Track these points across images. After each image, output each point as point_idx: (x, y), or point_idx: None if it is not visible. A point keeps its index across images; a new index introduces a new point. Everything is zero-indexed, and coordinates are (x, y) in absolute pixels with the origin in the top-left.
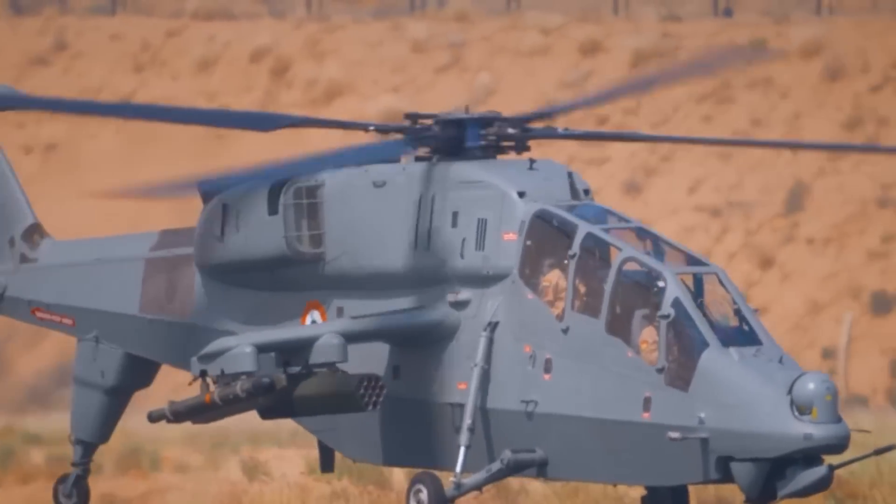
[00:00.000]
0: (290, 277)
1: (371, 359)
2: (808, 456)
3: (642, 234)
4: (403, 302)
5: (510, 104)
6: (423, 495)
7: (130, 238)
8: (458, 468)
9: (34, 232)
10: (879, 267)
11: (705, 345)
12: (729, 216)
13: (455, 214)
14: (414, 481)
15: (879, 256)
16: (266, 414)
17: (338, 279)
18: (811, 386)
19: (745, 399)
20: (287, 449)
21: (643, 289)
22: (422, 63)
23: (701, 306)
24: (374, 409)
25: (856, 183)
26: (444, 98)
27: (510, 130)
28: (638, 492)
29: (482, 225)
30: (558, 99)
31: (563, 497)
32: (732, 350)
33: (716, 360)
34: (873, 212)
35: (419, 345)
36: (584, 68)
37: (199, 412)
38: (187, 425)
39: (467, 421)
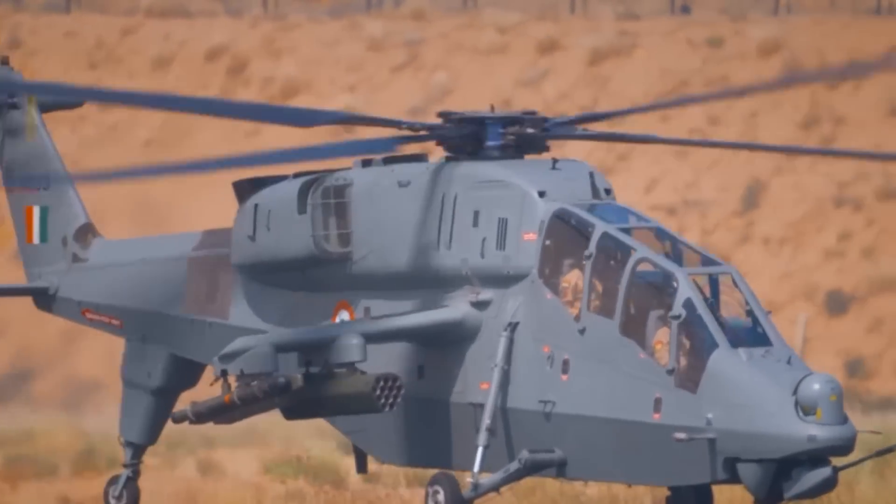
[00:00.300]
0: (320, 277)
1: (399, 359)
2: (814, 457)
3: (661, 234)
4: (427, 302)
5: (467, 103)
6: (441, 496)
7: (175, 237)
8: (476, 469)
9: (86, 232)
10: (835, 266)
11: (715, 346)
12: (685, 215)
13: (476, 214)
14: (431, 482)
15: (835, 256)
16: (290, 414)
17: (365, 279)
18: (816, 387)
19: (751, 400)
20: (242, 449)
21: (656, 289)
22: (378, 62)
23: (712, 307)
24: (391, 409)
25: (812, 182)
26: (401, 97)
27: (530, 130)
28: (602, 490)
29: (503, 224)
30: (515, 97)
31: (520, 496)
32: (741, 351)
33: (724, 361)
34: (830, 211)
35: (442, 345)
36: (542, 67)
37: (219, 413)
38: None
39: (486, 421)
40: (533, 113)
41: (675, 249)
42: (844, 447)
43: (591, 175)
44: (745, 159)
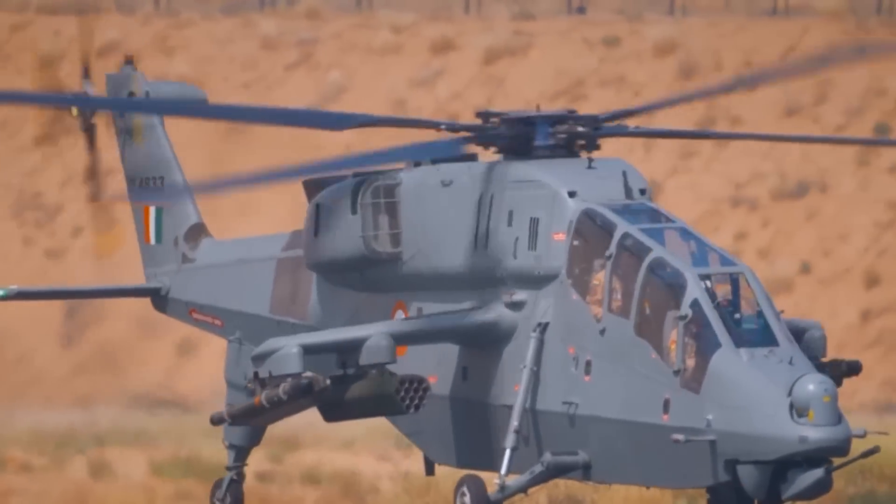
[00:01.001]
0: (376, 278)
1: (445, 360)
2: (810, 458)
3: (684, 234)
4: (466, 303)
5: (361, 102)
6: (468, 498)
7: (270, 238)
8: (503, 471)
9: (196, 232)
10: None
11: (718, 346)
12: None
13: (510, 214)
14: (459, 484)
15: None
16: (327, 417)
17: (415, 279)
18: (808, 388)
19: (748, 401)
20: (132, 449)
21: (669, 289)
22: (272, 60)
23: (720, 307)
24: (415, 411)
25: (708, 182)
26: (295, 96)
27: (581, 129)
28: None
29: (534, 225)
30: (409, 97)
31: (413, 495)
32: (743, 351)
33: (725, 362)
34: (726, 210)
35: (481, 346)
36: (436, 66)
37: (252, 415)
38: (33, 422)
39: (513, 423)
40: (572, 112)
41: (697, 248)
42: (837, 448)
43: (625, 174)
44: (640, 159)
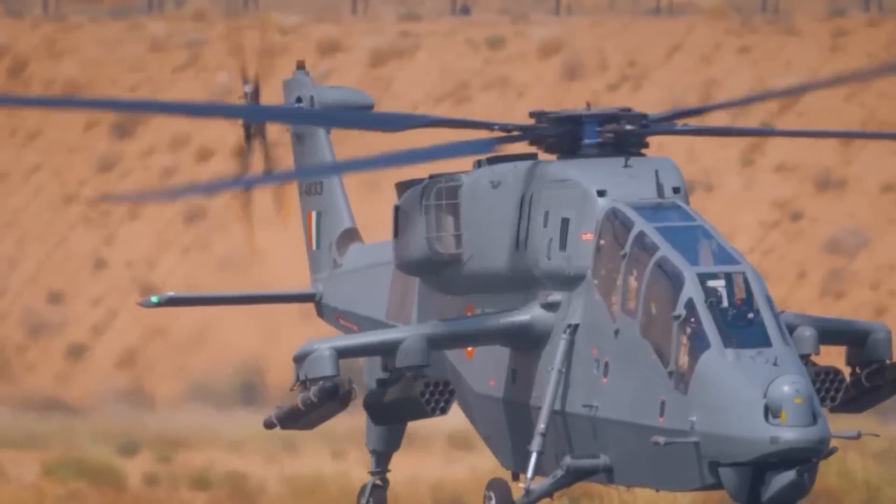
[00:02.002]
0: (447, 279)
1: (497, 363)
2: (787, 460)
3: (701, 233)
4: (509, 304)
5: None
6: (493, 502)
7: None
8: (529, 474)
9: (347, 237)
10: None
11: (707, 346)
12: None
13: (546, 214)
14: (487, 488)
15: None
16: (375, 420)
17: (476, 280)
18: (781, 388)
19: (726, 402)
20: (23, 451)
21: (669, 289)
22: (160, 62)
23: (713, 307)
24: (441, 413)
25: None
26: (183, 97)
27: (629, 127)
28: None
29: (565, 225)
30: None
31: (299, 496)
32: (730, 352)
33: (711, 363)
34: None
35: (523, 348)
36: (323, 68)
37: (294, 418)
38: None
39: (540, 426)
40: (628, 110)
41: (710, 249)
42: (808, 449)
43: (657, 173)
44: None
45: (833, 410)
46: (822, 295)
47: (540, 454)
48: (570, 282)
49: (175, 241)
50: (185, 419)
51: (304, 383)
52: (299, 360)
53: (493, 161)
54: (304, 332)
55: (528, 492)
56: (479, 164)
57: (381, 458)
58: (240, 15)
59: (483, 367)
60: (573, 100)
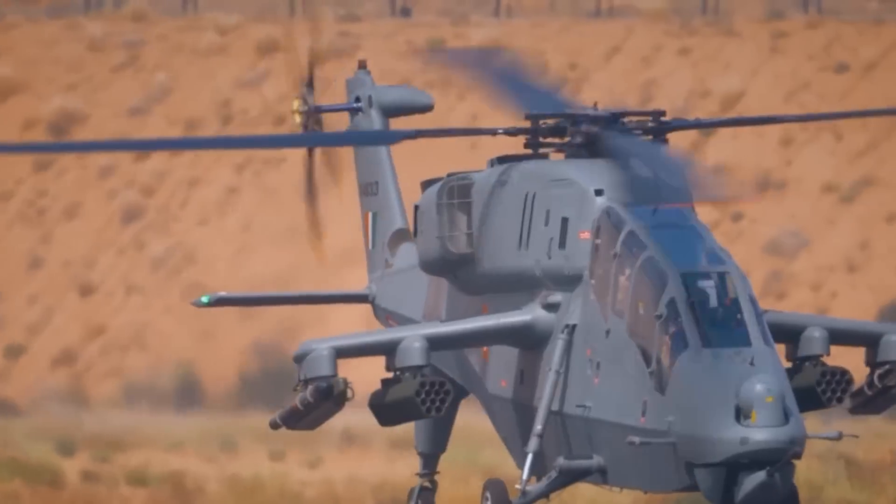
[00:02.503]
0: (463, 278)
1: (509, 364)
2: (758, 461)
3: (692, 233)
4: (513, 305)
5: (187, 104)
6: (489, 503)
7: None
8: (525, 475)
9: (398, 237)
10: None
11: (685, 346)
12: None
13: (547, 213)
14: (484, 488)
15: None
16: (380, 421)
17: (487, 280)
18: (751, 388)
19: (700, 403)
20: None
21: (653, 289)
22: (98, 62)
23: (695, 307)
24: (437, 414)
25: None
26: (121, 97)
27: (649, 124)
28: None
29: (564, 224)
30: (235, 98)
31: (239, 496)
32: (707, 352)
33: (688, 363)
34: None
35: (528, 349)
36: (262, 68)
37: (295, 418)
38: None
39: (536, 427)
40: (657, 110)
41: (699, 249)
42: (777, 450)
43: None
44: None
45: (853, 412)
46: (763, 296)
47: (536, 455)
48: (569, 282)
49: (112, 241)
50: (122, 418)
51: (304, 383)
52: (299, 360)
53: (503, 160)
54: (241, 333)
55: (524, 493)
56: (492, 162)
57: (429, 460)
58: (297, 15)
59: (496, 368)
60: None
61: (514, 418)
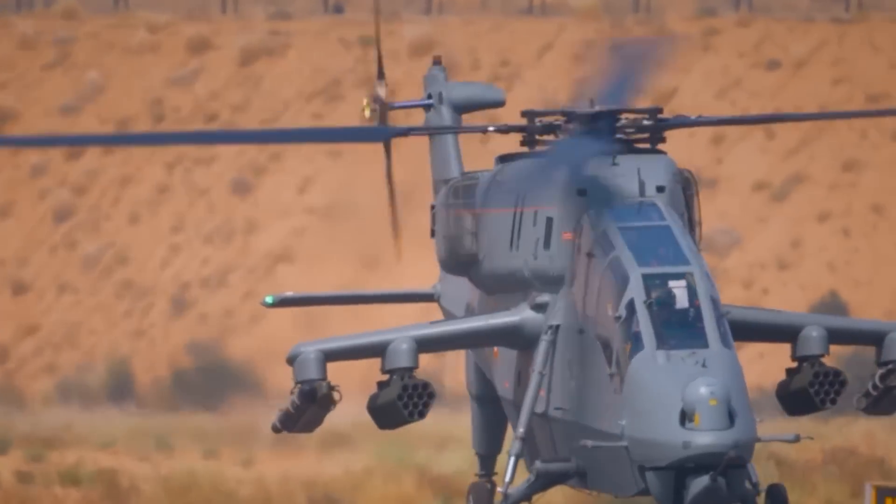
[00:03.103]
0: (474, 278)
1: (511, 365)
2: (702, 464)
3: (664, 233)
4: (505, 306)
5: (119, 102)
6: None
7: None
8: (507, 478)
9: None
10: None
11: (640, 348)
12: (339, 215)
13: (535, 213)
14: (468, 492)
15: None
16: (378, 424)
17: (493, 280)
18: (696, 391)
19: (649, 405)
20: None
21: (616, 289)
22: (29, 60)
23: (652, 308)
24: (420, 417)
25: None
26: (53, 95)
27: (645, 122)
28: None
29: (549, 224)
30: (166, 96)
31: (173, 495)
32: (661, 353)
33: (641, 365)
34: None
35: (518, 349)
36: (193, 66)
37: (290, 421)
38: None
39: (519, 430)
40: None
41: (668, 249)
42: (721, 454)
43: (639, 171)
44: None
45: (866, 412)
46: None
47: (518, 457)
48: (554, 282)
49: (44, 240)
50: (55, 417)
51: (294, 386)
52: (290, 362)
53: (504, 158)
54: (174, 330)
55: (506, 496)
56: (496, 161)
57: (486, 461)
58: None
59: (501, 370)
60: None
61: (515, 419)
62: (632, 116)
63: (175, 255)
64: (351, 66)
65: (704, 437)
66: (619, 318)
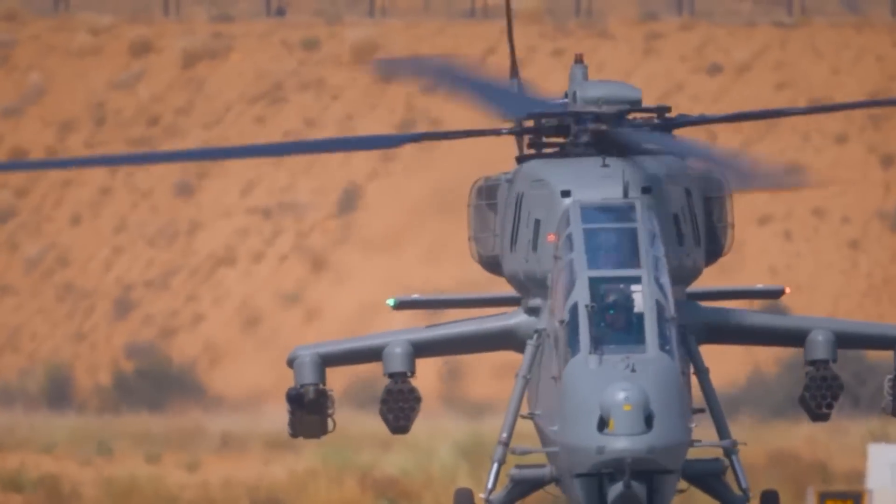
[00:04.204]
0: (507, 279)
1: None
2: (620, 470)
3: (629, 235)
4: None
5: (61, 104)
6: None
7: None
8: (489, 485)
9: None
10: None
11: (576, 352)
12: (281, 218)
13: (529, 214)
14: (454, 499)
15: (432, 258)
16: (390, 430)
17: (511, 282)
18: (611, 396)
19: (574, 410)
20: None
21: (565, 292)
22: None
23: (593, 311)
24: (406, 422)
25: (409, 185)
26: None
27: (655, 120)
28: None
29: (537, 226)
30: (109, 99)
31: (115, 499)
32: (593, 358)
33: (573, 369)
34: (427, 214)
35: (519, 353)
36: (136, 69)
37: (294, 426)
38: None
39: (502, 435)
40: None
41: (626, 251)
42: (635, 460)
43: (623, 172)
44: (340, 162)
45: (893, 415)
46: None
47: (500, 463)
48: (541, 285)
49: None
50: None
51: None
52: (290, 365)
53: (521, 160)
54: (114, 335)
55: (487, 502)
56: (517, 162)
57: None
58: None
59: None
60: (388, 103)
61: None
62: (640, 115)
63: (117, 256)
64: (294, 69)
65: (616, 442)
66: (562, 322)
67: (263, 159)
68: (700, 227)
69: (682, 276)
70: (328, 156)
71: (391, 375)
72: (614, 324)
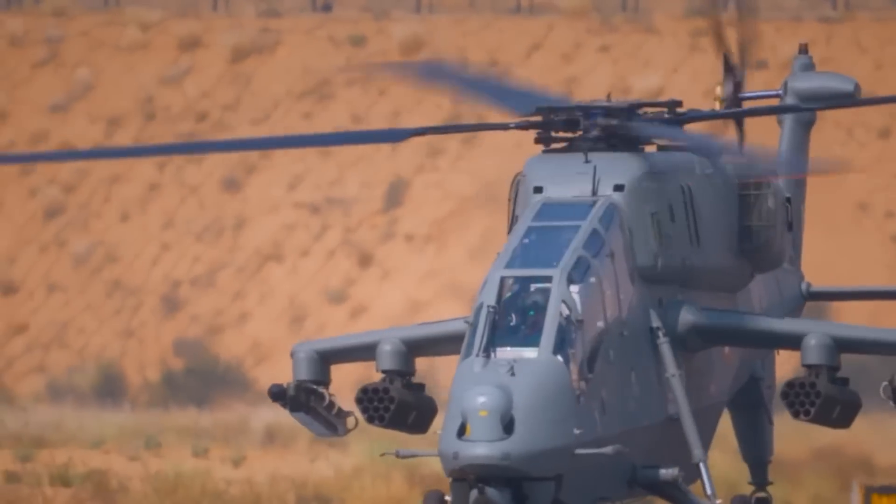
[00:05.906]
0: None
1: None
2: (478, 477)
3: (567, 234)
4: None
5: (109, 100)
6: None
7: None
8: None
9: None
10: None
11: (468, 354)
12: (328, 213)
13: (513, 210)
14: (423, 500)
15: (479, 253)
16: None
17: None
18: (470, 401)
19: (448, 414)
20: None
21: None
22: (19, 58)
23: (492, 312)
24: (380, 423)
25: (455, 180)
26: (43, 94)
27: (665, 115)
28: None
29: (514, 222)
30: (157, 95)
31: (162, 494)
32: (478, 360)
33: (460, 372)
34: (472, 208)
35: None
36: (184, 64)
37: (308, 425)
38: None
39: None
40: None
41: (555, 251)
42: (487, 466)
43: (595, 169)
44: (387, 156)
45: None
46: None
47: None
48: None
49: (34, 239)
50: (45, 416)
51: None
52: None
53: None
54: (163, 331)
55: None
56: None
57: (756, 469)
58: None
59: None
60: (435, 98)
61: None
62: (651, 110)
63: (165, 253)
64: (341, 65)
65: (469, 449)
66: (468, 323)
67: (310, 154)
68: (716, 226)
69: (669, 277)
70: (375, 150)
71: (384, 373)
72: (513, 325)
